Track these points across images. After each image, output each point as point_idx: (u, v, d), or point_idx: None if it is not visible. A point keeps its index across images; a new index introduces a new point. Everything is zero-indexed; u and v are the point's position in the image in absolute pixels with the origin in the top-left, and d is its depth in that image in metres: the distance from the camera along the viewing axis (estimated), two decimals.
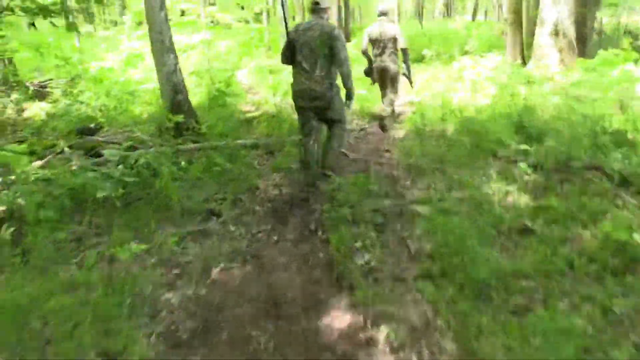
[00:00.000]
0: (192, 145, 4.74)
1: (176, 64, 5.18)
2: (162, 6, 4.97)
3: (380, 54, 5.91)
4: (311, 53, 3.84)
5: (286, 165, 4.73)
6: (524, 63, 8.43)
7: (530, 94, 5.61)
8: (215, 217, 3.76)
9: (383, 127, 6.02)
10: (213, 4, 21.12)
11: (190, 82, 7.62)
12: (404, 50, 6.02)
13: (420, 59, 11.04)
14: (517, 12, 9.07)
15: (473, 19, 26.90)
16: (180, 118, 4.84)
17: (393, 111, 6.30)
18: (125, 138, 5.07)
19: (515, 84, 5.94)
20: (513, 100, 5.76)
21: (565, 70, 7.33)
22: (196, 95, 6.86)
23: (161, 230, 3.49)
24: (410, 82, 6.44)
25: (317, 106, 3.96)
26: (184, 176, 4.28)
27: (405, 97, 7.35)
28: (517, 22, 9.11)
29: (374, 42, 5.93)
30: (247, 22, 15.14)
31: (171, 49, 5.12)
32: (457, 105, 6.66)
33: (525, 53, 9.56)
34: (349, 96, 4.07)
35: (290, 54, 3.95)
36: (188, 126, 5.10)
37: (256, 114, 6.45)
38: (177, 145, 4.65)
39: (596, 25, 11.25)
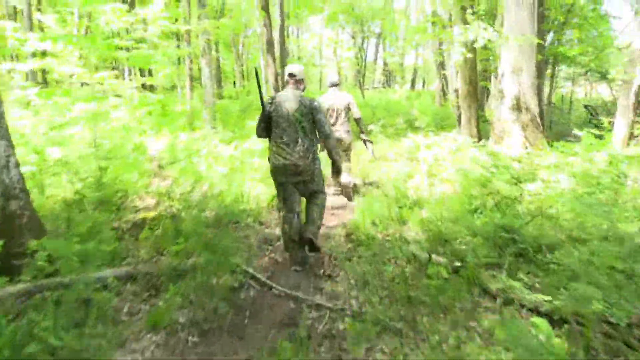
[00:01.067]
0: (12, 289, 2.91)
1: (9, 155, 3.43)
2: None
3: (334, 124, 5.77)
4: (290, 126, 3.64)
5: (170, 317, 3.00)
6: (480, 140, 7.41)
7: (509, 187, 4.34)
8: None
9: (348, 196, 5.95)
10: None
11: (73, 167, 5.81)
12: (358, 120, 5.85)
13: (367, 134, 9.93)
14: (472, 83, 8.09)
15: (412, 89, 27.18)
16: None
17: (353, 185, 6.08)
18: None
19: (486, 174, 4.65)
20: (487, 193, 4.46)
21: (533, 151, 6.27)
22: (67, 192, 4.98)
23: None
24: (372, 151, 6.27)
25: (299, 181, 3.76)
26: None
27: (350, 179, 6.01)
28: (472, 95, 8.12)
29: (326, 111, 5.76)
30: (171, 88, 13.64)
31: (2, 135, 3.40)
32: (414, 197, 5.34)
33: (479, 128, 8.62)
34: (337, 170, 4.30)
35: (265, 127, 3.75)
36: (23, 251, 3.30)
37: (151, 214, 4.72)
38: None
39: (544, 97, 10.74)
